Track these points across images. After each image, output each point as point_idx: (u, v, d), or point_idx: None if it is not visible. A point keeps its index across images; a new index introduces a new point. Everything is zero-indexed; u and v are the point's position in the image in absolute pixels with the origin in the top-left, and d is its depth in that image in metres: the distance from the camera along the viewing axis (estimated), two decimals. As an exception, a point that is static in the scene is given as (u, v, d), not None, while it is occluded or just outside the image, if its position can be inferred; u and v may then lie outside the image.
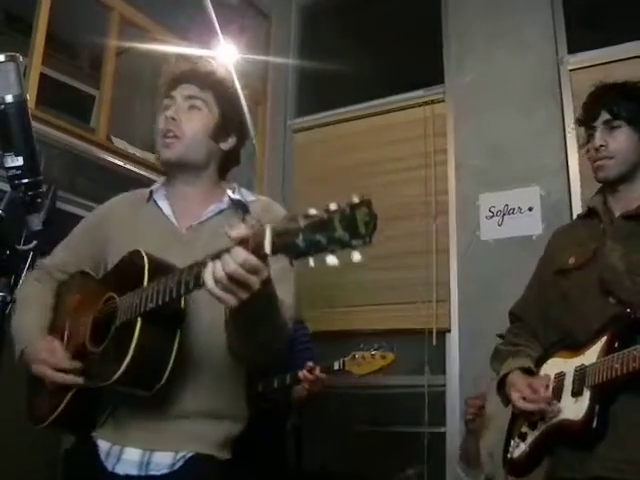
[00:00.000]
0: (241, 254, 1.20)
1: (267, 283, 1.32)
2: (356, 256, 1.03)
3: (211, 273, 1.25)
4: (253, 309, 1.37)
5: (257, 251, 1.18)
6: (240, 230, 1.21)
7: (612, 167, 1.94)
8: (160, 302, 1.41)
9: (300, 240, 1.06)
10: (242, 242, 1.21)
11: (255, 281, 1.24)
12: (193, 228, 1.79)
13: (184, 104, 1.82)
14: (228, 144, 1.87)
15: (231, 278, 1.22)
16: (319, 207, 1.08)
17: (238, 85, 1.90)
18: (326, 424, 3.70)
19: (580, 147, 2.13)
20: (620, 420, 1.72)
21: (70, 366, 1.63)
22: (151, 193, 1.88)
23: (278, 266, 1.43)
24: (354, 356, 2.78)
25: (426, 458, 3.55)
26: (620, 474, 1.68)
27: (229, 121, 1.86)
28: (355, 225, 1.02)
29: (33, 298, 1.82)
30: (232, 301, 1.26)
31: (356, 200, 1.04)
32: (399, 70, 4.55)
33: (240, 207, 1.83)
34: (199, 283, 1.30)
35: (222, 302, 1.28)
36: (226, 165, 1.93)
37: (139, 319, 1.48)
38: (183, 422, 1.65)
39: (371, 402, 3.88)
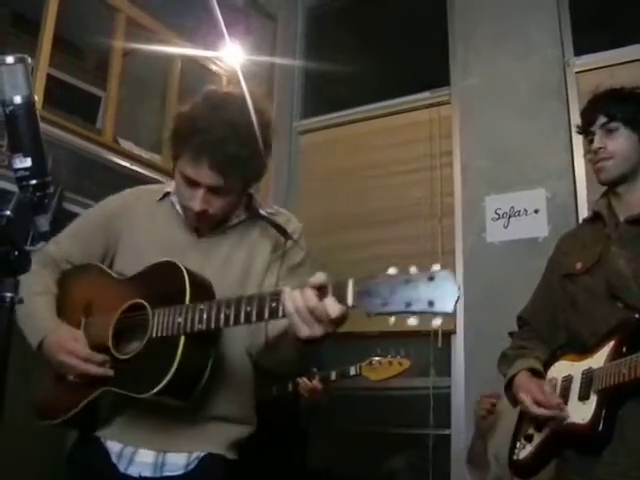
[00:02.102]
0: (320, 284, 1.26)
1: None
2: (437, 322, 1.12)
3: (291, 301, 1.28)
4: (312, 350, 1.45)
5: (338, 300, 1.23)
6: (320, 277, 1.26)
7: (612, 168, 1.96)
8: (212, 326, 1.45)
9: (383, 303, 1.13)
10: (320, 288, 1.26)
11: (328, 322, 1.27)
12: (212, 237, 1.78)
13: (209, 195, 1.65)
14: (253, 187, 1.81)
15: (311, 311, 1.25)
16: (400, 269, 1.15)
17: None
18: (332, 426, 3.70)
19: (584, 155, 2.16)
20: (628, 425, 1.71)
21: (98, 358, 1.61)
22: (167, 194, 1.84)
23: (306, 274, 1.50)
24: (371, 362, 2.78)
25: (431, 460, 3.55)
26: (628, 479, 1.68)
27: (256, 182, 1.77)
28: (440, 295, 1.10)
29: (41, 285, 1.78)
30: (305, 332, 1.29)
31: (437, 268, 1.11)
32: (405, 72, 4.55)
33: (260, 219, 1.80)
34: (263, 317, 1.35)
35: (296, 331, 1.30)
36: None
37: (183, 338, 1.50)
38: (197, 425, 1.66)
39: (376, 404, 3.87)
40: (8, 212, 1.36)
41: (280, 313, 1.31)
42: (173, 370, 1.48)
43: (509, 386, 2.03)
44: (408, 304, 1.11)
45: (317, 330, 1.27)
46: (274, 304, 1.32)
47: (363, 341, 3.72)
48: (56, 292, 1.82)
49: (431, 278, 1.11)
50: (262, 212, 1.81)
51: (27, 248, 1.40)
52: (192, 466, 1.64)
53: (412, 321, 1.12)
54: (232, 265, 1.72)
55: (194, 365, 1.55)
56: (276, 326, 1.60)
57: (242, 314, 1.38)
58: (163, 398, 1.56)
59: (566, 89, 3.66)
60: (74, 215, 3.05)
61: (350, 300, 1.19)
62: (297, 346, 1.44)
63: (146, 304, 1.60)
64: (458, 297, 1.10)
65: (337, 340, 3.64)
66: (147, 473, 1.61)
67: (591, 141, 2.02)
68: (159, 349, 1.53)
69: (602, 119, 1.98)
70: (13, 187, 1.47)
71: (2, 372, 1.31)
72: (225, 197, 1.67)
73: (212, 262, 1.65)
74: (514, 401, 2.02)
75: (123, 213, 1.85)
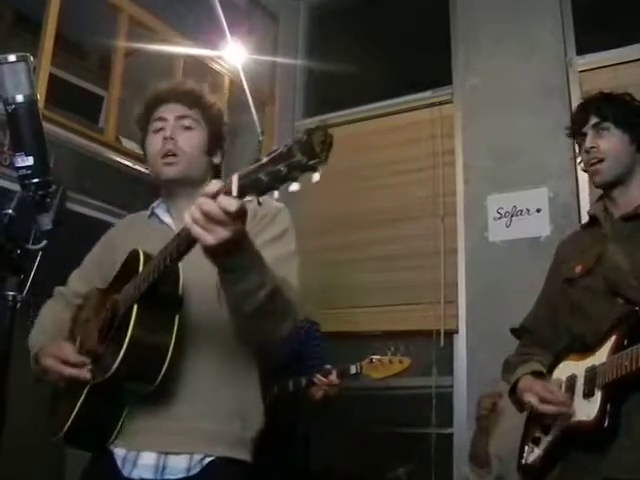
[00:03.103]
0: (212, 191, 1.22)
1: (243, 235, 1.32)
2: (315, 177, 1.09)
3: (190, 214, 1.26)
4: (239, 261, 1.38)
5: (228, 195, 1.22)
6: (212, 185, 1.24)
7: (606, 170, 1.95)
8: (150, 280, 1.45)
9: (263, 174, 1.10)
10: (214, 196, 1.24)
11: (229, 220, 1.24)
12: None
13: (177, 124, 1.86)
14: (218, 158, 1.95)
15: (207, 215, 1.23)
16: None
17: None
18: (333, 425, 3.70)
19: (575, 158, 2.17)
20: (634, 420, 1.71)
21: (77, 359, 1.64)
22: (152, 209, 1.94)
23: (283, 250, 1.55)
24: (371, 360, 2.79)
25: (433, 459, 3.55)
26: (634, 475, 1.67)
27: (217, 137, 1.94)
28: (311, 147, 1.07)
29: (50, 314, 1.91)
30: (210, 239, 1.25)
31: (312, 126, 1.08)
32: (407, 71, 4.55)
33: None
34: (180, 250, 1.35)
35: (201, 241, 1.27)
36: (216, 177, 1.97)
37: (135, 305, 1.50)
38: (193, 422, 1.65)
39: (378, 403, 3.87)
40: (10, 211, 1.37)
41: (190, 237, 1.31)
42: (126, 343, 1.46)
43: (513, 391, 2.03)
44: (283, 169, 1.09)
45: (220, 233, 1.24)
46: (184, 232, 1.33)
47: (366, 340, 3.74)
48: (68, 318, 1.88)
49: (301, 137, 1.09)
50: None
51: (29, 247, 1.40)
52: (195, 470, 1.62)
53: (294, 186, 1.09)
54: None
55: (153, 335, 1.52)
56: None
57: (168, 257, 1.39)
58: (131, 383, 1.56)
59: (569, 88, 3.66)
60: (76, 214, 3.08)
61: (235, 191, 1.16)
62: (224, 269, 1.42)
63: (117, 297, 1.63)
64: (329, 141, 1.08)
65: (340, 339, 3.65)
66: (149, 476, 1.60)
67: (582, 143, 2.03)
68: (121, 327, 1.52)
69: (594, 119, 1.99)
70: (15, 186, 1.47)
71: (4, 369, 1.31)
72: (191, 132, 1.86)
73: (193, 255, 1.67)
74: (520, 406, 2.02)
75: (117, 239, 1.95)
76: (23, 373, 1.77)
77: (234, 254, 1.34)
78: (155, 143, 1.86)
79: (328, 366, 2.82)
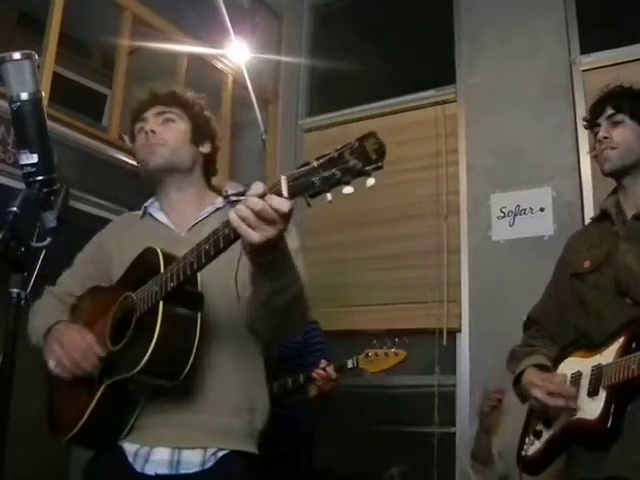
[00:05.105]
0: (260, 191, 1.24)
1: (283, 235, 1.34)
2: (370, 181, 1.14)
3: (235, 213, 1.27)
4: (275, 259, 1.40)
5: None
6: (258, 186, 1.27)
7: (616, 158, 1.97)
8: (182, 278, 1.45)
9: (316, 178, 1.15)
10: (261, 196, 1.26)
11: (278, 219, 1.26)
12: (191, 230, 1.85)
13: (157, 119, 1.92)
14: (206, 148, 1.98)
15: (257, 214, 1.24)
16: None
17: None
18: (335, 424, 3.70)
19: (589, 151, 2.18)
20: (638, 421, 1.71)
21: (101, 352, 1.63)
22: (145, 209, 1.96)
23: (291, 245, 1.52)
24: (367, 354, 2.81)
25: (436, 458, 3.55)
26: (638, 475, 1.67)
27: (201, 128, 1.98)
28: (365, 153, 1.13)
29: (46, 307, 1.85)
30: (257, 237, 1.27)
31: (361, 135, 1.14)
32: (410, 70, 4.55)
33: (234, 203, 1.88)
34: (219, 247, 1.35)
35: (247, 239, 1.28)
36: (208, 170, 2.02)
37: (161, 303, 1.50)
38: (207, 416, 1.66)
39: (381, 402, 3.87)
40: (15, 208, 1.37)
41: (232, 235, 1.32)
42: (155, 339, 1.47)
43: (517, 382, 2.03)
44: (337, 173, 1.13)
45: (268, 231, 1.26)
46: (226, 230, 1.33)
47: (368, 339, 3.73)
48: (64, 311, 1.85)
49: (353, 143, 1.14)
50: (235, 192, 1.89)
51: (33, 244, 1.40)
52: (210, 464, 1.63)
53: (348, 189, 1.14)
54: None
55: (178, 332, 1.53)
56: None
57: (202, 254, 1.39)
58: (154, 379, 1.56)
59: (572, 87, 3.65)
60: (79, 212, 3.08)
61: (285, 192, 1.20)
62: (260, 266, 1.43)
63: (131, 293, 1.63)
64: (383, 149, 1.13)
65: (342, 337, 3.66)
66: (163, 471, 1.61)
67: (597, 134, 2.04)
68: (144, 324, 1.53)
69: (609, 111, 2.01)
70: (20, 184, 1.47)
71: (9, 366, 1.32)
72: (172, 123, 1.92)
73: None
74: (523, 397, 2.02)
75: (110, 239, 1.96)
76: (27, 370, 1.77)
77: (271, 253, 1.36)
78: (139, 141, 1.92)
79: (324, 361, 2.83)
